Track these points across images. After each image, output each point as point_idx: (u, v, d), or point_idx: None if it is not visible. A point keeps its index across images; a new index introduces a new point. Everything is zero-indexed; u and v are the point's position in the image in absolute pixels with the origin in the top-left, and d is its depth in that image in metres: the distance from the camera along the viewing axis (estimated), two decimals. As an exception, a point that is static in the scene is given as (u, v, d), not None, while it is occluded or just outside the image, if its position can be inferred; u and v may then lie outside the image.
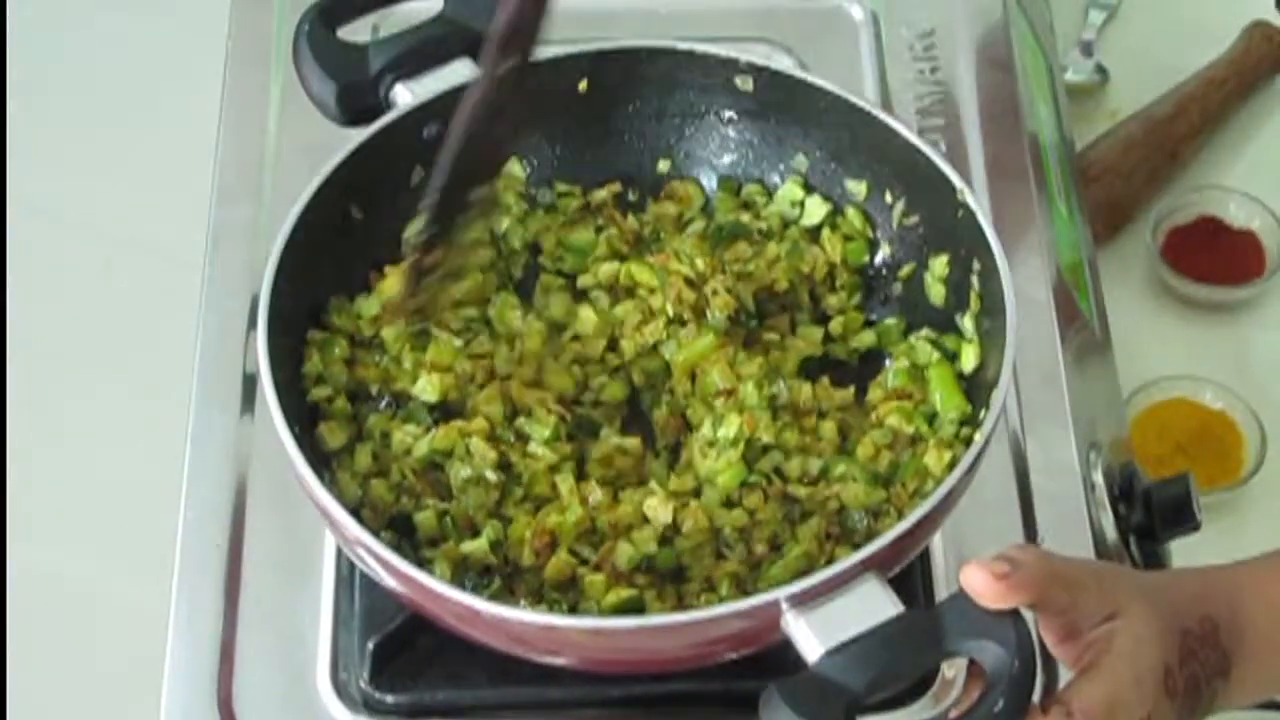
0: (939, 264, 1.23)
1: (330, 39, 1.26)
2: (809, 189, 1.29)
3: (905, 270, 1.26)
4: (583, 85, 1.28)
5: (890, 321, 1.26)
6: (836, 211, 1.28)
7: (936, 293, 1.24)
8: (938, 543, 1.23)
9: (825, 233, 1.28)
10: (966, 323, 1.21)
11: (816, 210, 1.29)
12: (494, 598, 1.10)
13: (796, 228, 1.29)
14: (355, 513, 1.09)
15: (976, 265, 1.18)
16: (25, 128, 1.76)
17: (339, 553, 1.23)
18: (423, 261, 1.15)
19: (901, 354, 1.23)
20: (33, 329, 1.64)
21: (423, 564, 1.10)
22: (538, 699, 1.18)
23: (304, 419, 1.17)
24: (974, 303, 1.19)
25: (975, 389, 1.18)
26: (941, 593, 1.21)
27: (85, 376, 1.63)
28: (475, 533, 1.14)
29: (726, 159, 1.30)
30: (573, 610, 1.11)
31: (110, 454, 1.57)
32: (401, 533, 1.15)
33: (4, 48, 1.80)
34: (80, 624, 1.49)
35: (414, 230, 1.14)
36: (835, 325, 1.26)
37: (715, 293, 1.22)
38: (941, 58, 1.51)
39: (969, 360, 1.20)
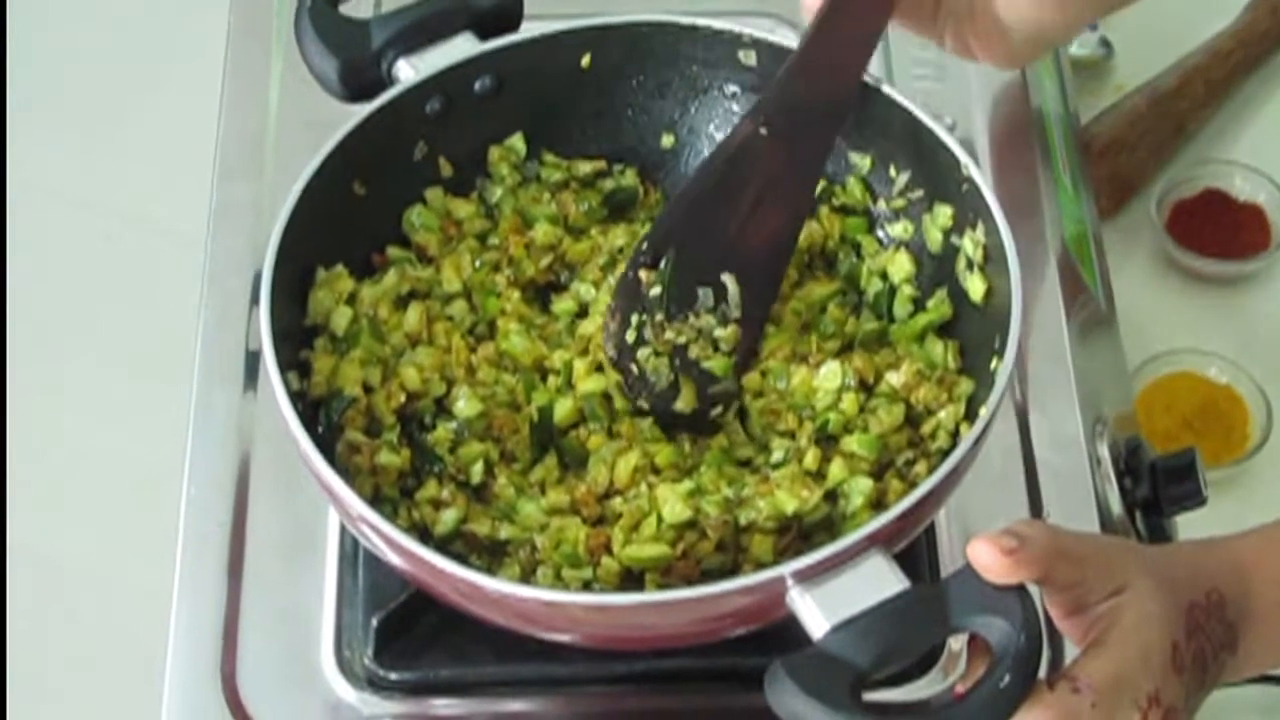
0: (942, 215, 1.22)
1: (332, 14, 1.26)
2: None
3: (900, 228, 1.25)
4: (585, 60, 1.27)
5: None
6: (833, 181, 1.27)
7: (934, 240, 1.23)
8: (943, 518, 1.23)
9: (824, 210, 1.27)
10: (966, 242, 1.20)
11: None
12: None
13: None
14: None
15: (981, 238, 1.18)
16: (26, 105, 1.76)
17: (342, 529, 1.22)
18: None
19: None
20: (34, 307, 1.64)
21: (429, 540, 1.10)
22: (542, 676, 1.18)
23: (306, 395, 1.16)
24: (977, 272, 1.19)
25: (979, 360, 1.17)
26: (947, 568, 1.21)
27: (87, 354, 1.63)
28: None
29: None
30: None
31: (112, 432, 1.58)
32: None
33: (4, 24, 1.80)
34: (83, 602, 1.50)
35: None
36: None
37: None
38: (946, 31, 1.50)
39: (977, 290, 1.19)
